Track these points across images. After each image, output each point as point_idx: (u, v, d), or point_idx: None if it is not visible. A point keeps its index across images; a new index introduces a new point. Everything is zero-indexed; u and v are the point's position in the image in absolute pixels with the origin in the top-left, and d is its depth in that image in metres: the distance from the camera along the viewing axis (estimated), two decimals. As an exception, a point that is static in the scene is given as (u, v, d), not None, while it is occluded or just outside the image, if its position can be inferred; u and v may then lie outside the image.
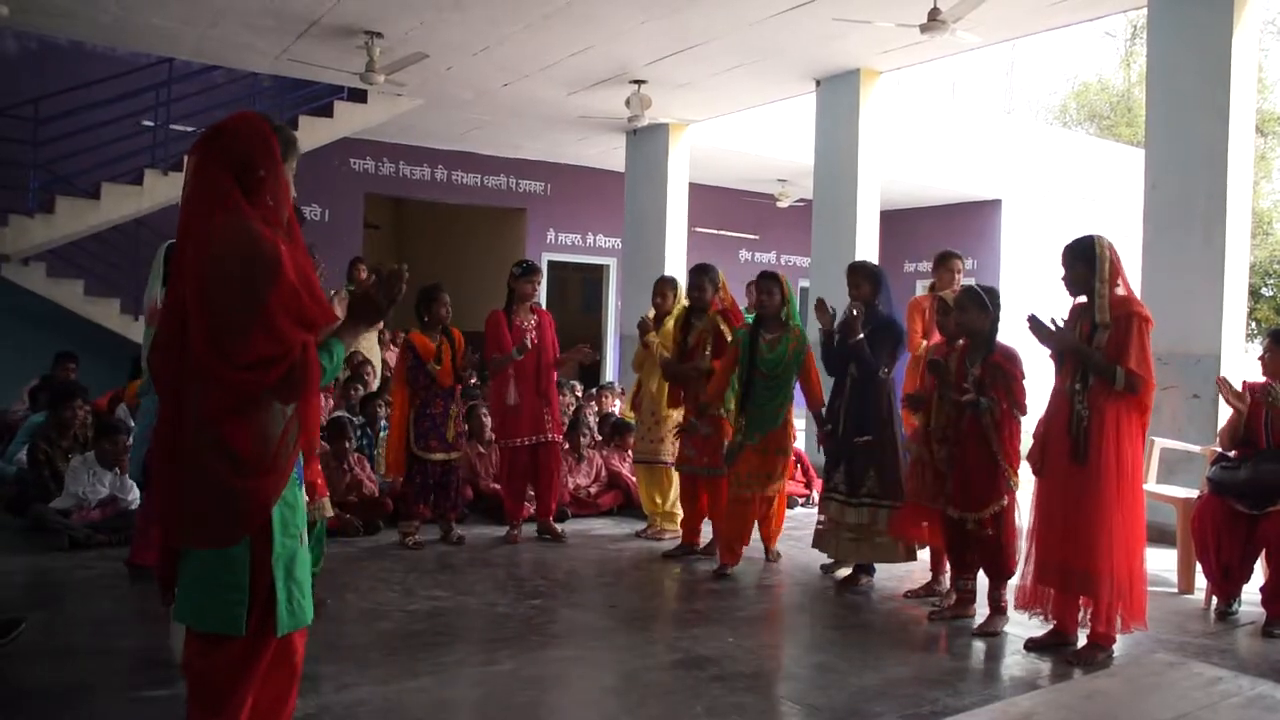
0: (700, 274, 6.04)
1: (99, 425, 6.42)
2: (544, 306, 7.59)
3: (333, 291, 9.31)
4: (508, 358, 6.14)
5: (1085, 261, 4.09)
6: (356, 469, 6.63)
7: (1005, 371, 4.44)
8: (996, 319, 4.55)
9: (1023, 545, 4.45)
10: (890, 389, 5.28)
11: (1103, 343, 4.03)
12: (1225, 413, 5.67)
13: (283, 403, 2.34)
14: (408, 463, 6.11)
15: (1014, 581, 4.47)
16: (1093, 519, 4.00)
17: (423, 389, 6.04)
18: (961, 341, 4.73)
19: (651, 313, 6.57)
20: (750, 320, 5.82)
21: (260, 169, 2.39)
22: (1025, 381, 4.48)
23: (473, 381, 8.20)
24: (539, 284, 6.47)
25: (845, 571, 5.45)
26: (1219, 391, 4.88)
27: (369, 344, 9.20)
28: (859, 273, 5.38)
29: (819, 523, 5.45)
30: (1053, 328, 4.12)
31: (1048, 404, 4.27)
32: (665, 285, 6.68)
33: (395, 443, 6.16)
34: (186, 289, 2.34)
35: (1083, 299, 4.18)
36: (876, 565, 5.40)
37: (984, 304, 4.53)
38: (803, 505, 7.57)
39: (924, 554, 5.32)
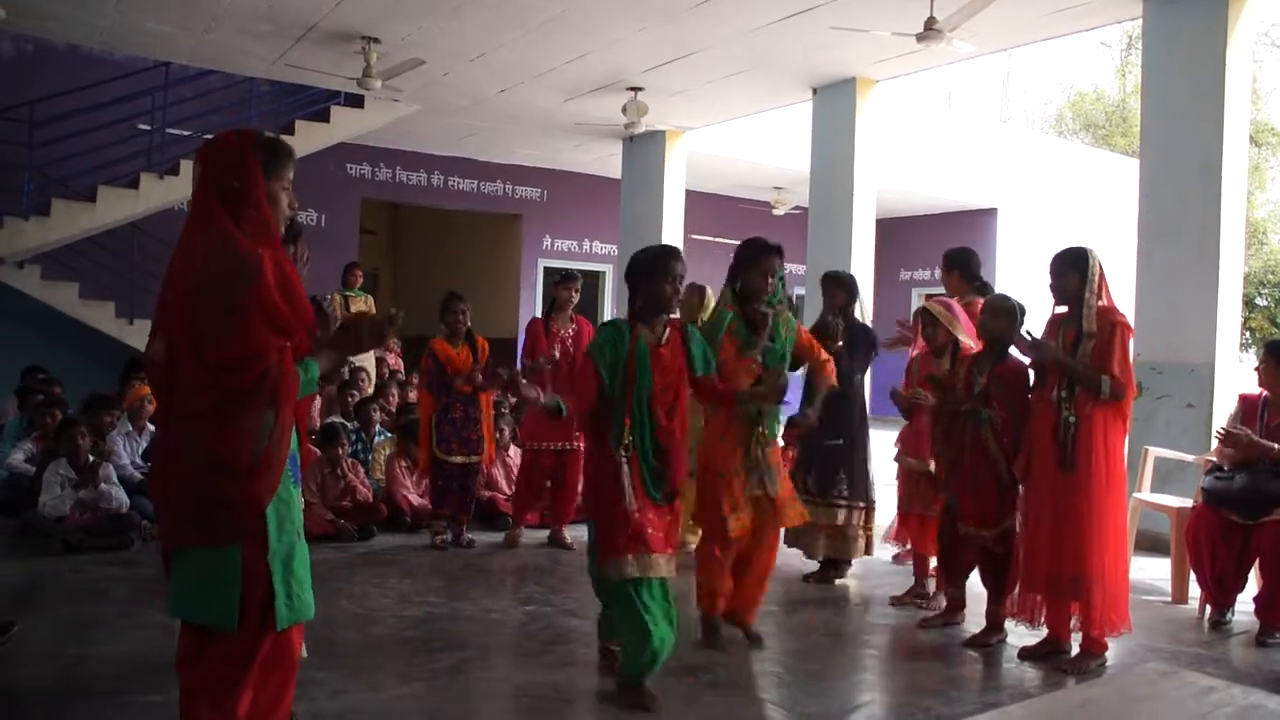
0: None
1: (58, 425, 6.39)
2: (537, 314, 7.60)
3: (328, 296, 9.38)
4: (536, 366, 6.15)
5: (1078, 271, 4.13)
6: (350, 474, 6.63)
7: (1010, 383, 4.40)
8: (1017, 331, 4.41)
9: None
10: (861, 394, 5.38)
11: (1088, 351, 4.09)
12: (1220, 422, 5.68)
13: (260, 408, 2.39)
14: (432, 466, 6.18)
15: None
16: (1082, 525, 4.04)
17: (443, 394, 6.09)
18: (963, 349, 4.73)
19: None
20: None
21: (234, 182, 2.47)
22: (1029, 396, 4.39)
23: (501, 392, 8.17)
24: (576, 290, 6.49)
25: (814, 567, 5.59)
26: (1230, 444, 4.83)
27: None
28: (835, 282, 5.52)
29: None
30: (1039, 342, 4.16)
31: (1031, 413, 4.28)
32: (690, 293, 6.57)
33: (423, 445, 6.27)
34: (172, 295, 2.42)
35: (1063, 309, 4.23)
36: (854, 564, 5.58)
37: (1014, 315, 4.41)
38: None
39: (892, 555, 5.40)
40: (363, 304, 10.06)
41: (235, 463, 2.36)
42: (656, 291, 3.65)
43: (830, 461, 5.30)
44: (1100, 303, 4.12)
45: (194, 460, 2.38)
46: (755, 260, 4.24)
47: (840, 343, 5.27)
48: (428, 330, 6.55)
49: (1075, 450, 4.05)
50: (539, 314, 6.98)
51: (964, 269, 5.48)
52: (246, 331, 2.35)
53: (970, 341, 4.86)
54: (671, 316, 3.77)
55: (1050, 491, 4.13)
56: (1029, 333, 4.21)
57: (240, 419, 2.37)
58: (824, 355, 4.51)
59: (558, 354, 6.25)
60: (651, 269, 3.68)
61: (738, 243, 4.48)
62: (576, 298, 6.48)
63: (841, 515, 5.30)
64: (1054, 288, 4.22)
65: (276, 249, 2.48)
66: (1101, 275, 4.15)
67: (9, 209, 9.59)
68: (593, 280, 15.21)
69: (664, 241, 11.63)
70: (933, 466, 4.97)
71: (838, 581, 5.51)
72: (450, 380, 6.09)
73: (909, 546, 5.50)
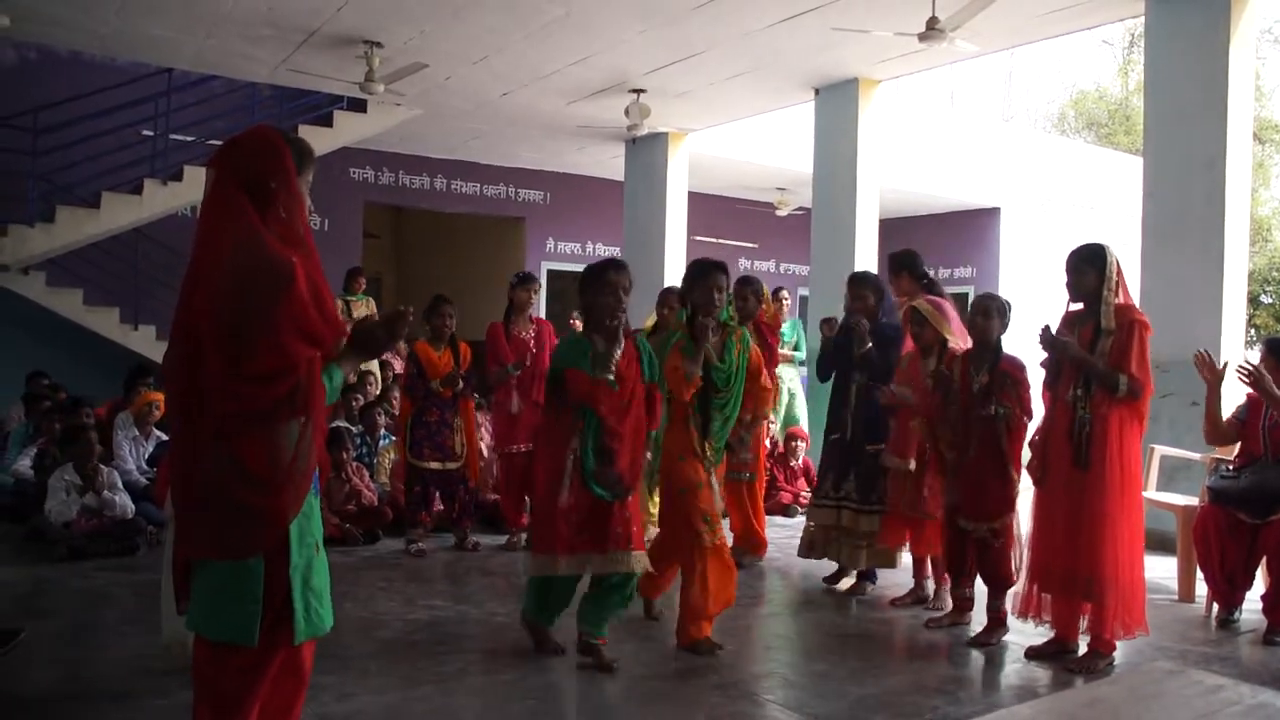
0: (743, 285, 6.00)
1: (65, 429, 6.37)
2: (543, 316, 7.61)
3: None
4: (504, 372, 6.15)
5: (1097, 268, 4.10)
6: (355, 478, 6.63)
7: (1015, 379, 4.42)
8: (1006, 328, 4.54)
9: (1021, 553, 4.45)
10: None
11: (1106, 349, 4.05)
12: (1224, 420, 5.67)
13: (289, 418, 2.33)
14: (407, 471, 6.15)
15: (1013, 588, 4.47)
16: (1097, 525, 4.00)
17: (420, 398, 6.05)
18: (955, 350, 4.73)
19: (650, 320, 6.51)
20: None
21: (272, 182, 2.39)
22: (1031, 389, 4.46)
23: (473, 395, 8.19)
24: (536, 293, 6.49)
25: (849, 581, 5.45)
26: (1196, 365, 4.80)
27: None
28: (864, 284, 5.37)
29: (809, 529, 5.45)
30: (1059, 340, 4.13)
31: (1045, 412, 4.27)
32: (670, 296, 6.52)
33: (400, 450, 6.26)
34: (197, 300, 2.34)
35: (1078, 306, 4.20)
36: (878, 571, 5.41)
37: (1004, 313, 4.52)
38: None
39: (906, 559, 5.35)
40: (364, 308, 10.09)
41: (263, 474, 2.30)
42: (600, 304, 3.91)
43: (873, 467, 5.12)
44: (1118, 300, 4.08)
45: (219, 470, 2.30)
46: (704, 277, 4.37)
47: (869, 344, 5.19)
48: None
49: (1090, 449, 4.02)
50: (542, 316, 6.99)
51: (912, 269, 5.48)
52: (280, 342, 2.29)
53: (959, 341, 4.87)
54: (626, 327, 4.01)
55: (1065, 491, 4.09)
56: (1047, 328, 4.17)
57: (270, 430, 2.31)
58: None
59: (528, 362, 6.26)
60: (595, 283, 3.94)
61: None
62: (535, 299, 6.46)
63: (880, 521, 5.11)
64: (1071, 285, 4.17)
65: (307, 253, 2.41)
66: (1119, 272, 4.11)
67: (14, 216, 9.61)
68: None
69: (667, 243, 11.64)
70: (912, 465, 4.93)
71: (868, 588, 5.38)
72: (429, 384, 6.05)
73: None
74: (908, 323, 5.07)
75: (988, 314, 4.49)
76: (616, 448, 3.88)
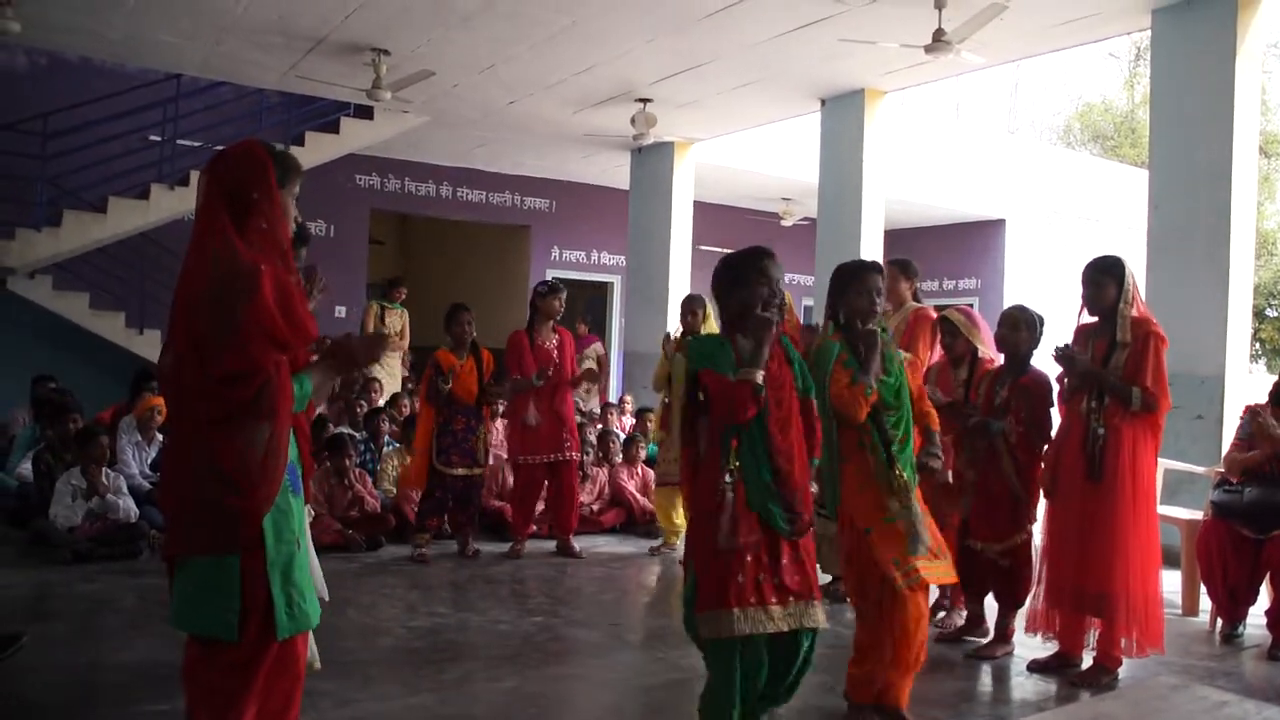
0: None
1: (80, 434, 6.38)
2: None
3: (369, 302, 9.53)
4: (527, 383, 6.15)
5: (1115, 280, 4.08)
6: (358, 485, 6.63)
7: (1033, 395, 4.33)
8: (1037, 342, 4.46)
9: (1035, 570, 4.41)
10: None
11: (1121, 361, 4.02)
12: (1229, 433, 5.66)
13: (255, 421, 2.42)
14: (429, 477, 6.15)
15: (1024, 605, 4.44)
16: (1109, 540, 3.96)
17: (444, 406, 6.07)
18: (985, 359, 4.69)
19: (678, 330, 6.48)
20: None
21: (254, 193, 2.50)
22: (1051, 409, 4.36)
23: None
24: (562, 302, 6.46)
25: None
26: (1254, 425, 4.77)
27: (391, 364, 9.29)
28: None
29: None
30: (1073, 355, 4.08)
31: (1059, 426, 4.24)
32: (694, 303, 6.39)
33: (419, 456, 6.22)
34: (179, 306, 2.47)
35: (1093, 319, 4.17)
36: None
37: (1034, 326, 4.43)
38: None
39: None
40: (399, 318, 10.39)
41: (234, 474, 2.39)
42: (748, 296, 3.19)
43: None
44: (1134, 313, 4.06)
45: (197, 470, 2.41)
46: (857, 279, 3.65)
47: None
48: (436, 341, 6.54)
49: (1103, 462, 3.99)
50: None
51: (907, 273, 5.49)
52: (245, 345, 2.38)
53: (990, 351, 4.82)
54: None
55: (1078, 506, 4.06)
56: (1067, 346, 4.13)
57: (238, 431, 2.40)
58: (929, 406, 3.96)
59: (551, 371, 6.26)
60: (744, 272, 3.25)
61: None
62: (562, 310, 6.45)
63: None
64: (1088, 297, 4.14)
65: (283, 262, 2.50)
66: (1135, 284, 4.10)
67: (21, 220, 9.64)
68: (601, 291, 15.23)
69: (672, 253, 11.65)
70: (950, 477, 4.89)
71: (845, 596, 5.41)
72: (443, 391, 6.03)
73: None
74: (936, 333, 5.02)
75: (1015, 326, 4.42)
76: (789, 469, 3.10)
